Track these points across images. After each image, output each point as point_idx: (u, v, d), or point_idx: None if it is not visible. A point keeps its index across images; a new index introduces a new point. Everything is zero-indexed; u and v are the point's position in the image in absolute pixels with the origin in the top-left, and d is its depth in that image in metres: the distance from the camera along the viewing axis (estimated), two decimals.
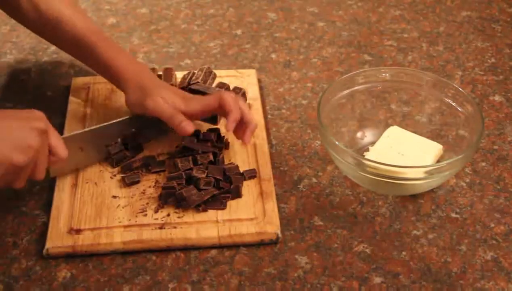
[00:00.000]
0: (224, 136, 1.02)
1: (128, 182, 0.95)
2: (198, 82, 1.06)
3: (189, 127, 0.95)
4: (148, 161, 0.98)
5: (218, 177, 0.94)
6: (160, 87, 0.98)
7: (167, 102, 0.95)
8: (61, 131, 1.03)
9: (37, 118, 0.83)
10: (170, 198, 0.92)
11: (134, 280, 0.85)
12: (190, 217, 0.91)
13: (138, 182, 0.95)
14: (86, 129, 0.99)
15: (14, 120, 0.81)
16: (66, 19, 1.01)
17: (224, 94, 0.96)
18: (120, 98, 1.10)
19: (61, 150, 0.86)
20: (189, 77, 1.08)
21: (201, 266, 0.87)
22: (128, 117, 1.00)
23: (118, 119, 1.00)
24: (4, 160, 0.78)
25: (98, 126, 0.99)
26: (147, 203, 0.93)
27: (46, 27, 1.03)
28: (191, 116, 0.97)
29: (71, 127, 1.04)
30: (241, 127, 0.96)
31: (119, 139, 0.99)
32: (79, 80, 1.14)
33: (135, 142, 1.01)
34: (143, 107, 0.96)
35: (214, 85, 1.08)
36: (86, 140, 0.97)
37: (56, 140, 0.86)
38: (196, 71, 1.10)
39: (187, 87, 1.04)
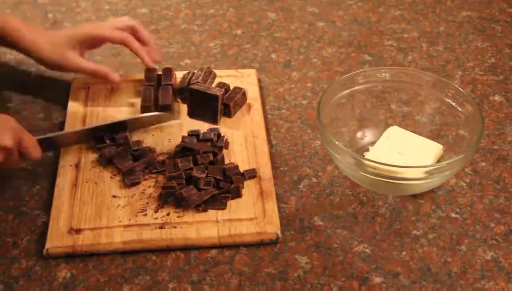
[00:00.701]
0: (224, 136, 1.02)
1: (128, 183, 0.95)
2: (198, 82, 1.06)
3: (117, 77, 1.07)
4: (149, 162, 0.98)
5: (218, 177, 0.94)
6: (56, 36, 1.06)
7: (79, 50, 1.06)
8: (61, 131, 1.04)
9: (6, 133, 0.86)
10: (170, 198, 0.92)
11: (134, 280, 0.85)
12: (190, 216, 0.91)
13: (138, 183, 0.95)
14: (63, 132, 1.01)
15: None
16: None
17: (127, 39, 1.07)
18: (120, 98, 1.10)
19: (34, 153, 0.91)
20: (189, 77, 1.08)
21: (201, 266, 0.87)
22: (110, 122, 1.02)
23: (95, 125, 1.02)
24: None
25: (76, 129, 1.02)
26: (147, 203, 0.93)
27: None
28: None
29: (71, 127, 1.04)
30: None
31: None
32: (79, 80, 1.14)
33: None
34: (62, 63, 1.05)
35: (214, 85, 1.08)
36: (65, 142, 1.01)
37: (27, 147, 0.89)
38: (196, 71, 1.10)
39: (187, 86, 1.04)
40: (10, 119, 0.89)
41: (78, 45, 1.06)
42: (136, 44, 1.07)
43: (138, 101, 1.08)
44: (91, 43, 1.09)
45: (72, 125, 1.05)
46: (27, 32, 1.04)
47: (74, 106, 1.08)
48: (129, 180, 0.95)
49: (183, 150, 0.98)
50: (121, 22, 1.09)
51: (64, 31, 1.08)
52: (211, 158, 0.97)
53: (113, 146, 0.99)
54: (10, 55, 1.22)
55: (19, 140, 0.88)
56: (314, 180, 0.99)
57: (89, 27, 1.08)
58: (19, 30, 1.03)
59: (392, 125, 1.03)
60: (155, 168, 0.97)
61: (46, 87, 1.15)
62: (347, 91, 1.03)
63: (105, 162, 0.98)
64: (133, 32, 1.09)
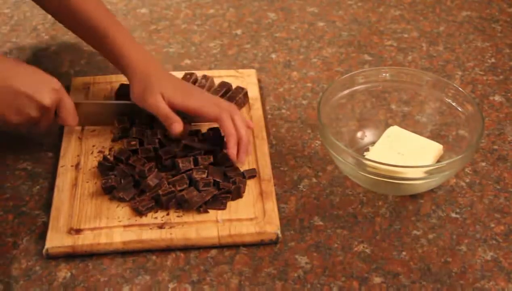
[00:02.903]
0: (224, 136, 1.02)
1: (143, 210, 0.90)
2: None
3: (177, 128, 0.95)
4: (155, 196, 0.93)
5: (218, 179, 0.93)
6: (162, 81, 0.97)
7: (165, 98, 0.95)
8: (60, 132, 1.03)
9: (47, 92, 0.90)
10: (170, 202, 0.92)
11: (134, 280, 0.85)
12: (190, 216, 0.91)
13: (152, 208, 0.92)
14: (98, 101, 1.05)
15: (26, 86, 0.88)
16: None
17: (223, 116, 0.95)
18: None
19: (71, 120, 0.95)
20: (192, 80, 1.09)
21: (201, 266, 0.87)
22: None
23: (128, 102, 1.02)
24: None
25: (110, 102, 1.05)
26: None
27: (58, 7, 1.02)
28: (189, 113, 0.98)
29: (70, 127, 1.04)
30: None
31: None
32: (79, 80, 1.14)
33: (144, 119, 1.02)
34: (143, 102, 0.97)
35: (216, 85, 1.08)
36: (97, 111, 1.03)
37: (66, 111, 0.93)
38: (198, 78, 1.10)
39: None
40: (54, 80, 0.91)
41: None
42: (229, 125, 0.96)
43: None
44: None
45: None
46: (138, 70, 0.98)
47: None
48: (143, 206, 0.91)
49: (185, 149, 0.97)
50: (225, 103, 0.99)
51: (177, 92, 0.97)
52: (212, 159, 0.96)
53: (115, 176, 0.94)
54: (10, 55, 1.22)
55: (58, 103, 0.92)
56: (314, 180, 0.99)
57: (196, 104, 0.97)
58: (134, 63, 0.98)
59: (392, 125, 1.03)
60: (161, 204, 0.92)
61: None
62: (347, 91, 1.03)
63: (109, 191, 0.94)
64: (232, 115, 0.97)
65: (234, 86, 1.10)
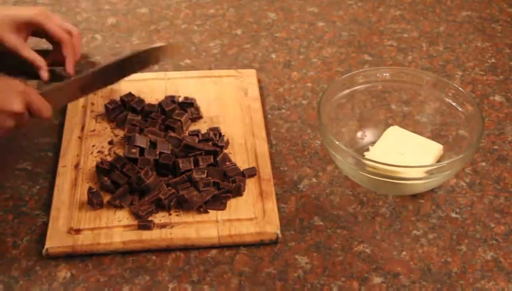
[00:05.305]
0: (224, 135, 1.02)
1: (143, 214, 0.90)
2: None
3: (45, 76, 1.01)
4: (156, 201, 0.92)
5: (217, 180, 0.93)
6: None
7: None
8: (61, 131, 1.04)
9: (15, 97, 0.87)
10: (171, 203, 0.92)
11: (134, 280, 0.85)
12: (190, 216, 0.91)
13: (152, 212, 0.91)
14: (61, 83, 1.01)
15: None
16: None
17: (68, 40, 1.02)
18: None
19: (44, 112, 0.92)
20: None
21: (201, 266, 0.87)
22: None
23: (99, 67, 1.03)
24: None
25: (72, 79, 1.02)
26: None
27: None
28: None
29: (70, 127, 1.04)
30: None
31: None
32: None
33: None
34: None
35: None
36: (64, 93, 1.01)
37: (37, 107, 0.91)
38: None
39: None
40: (18, 83, 0.90)
41: (21, 28, 1.01)
42: (71, 50, 1.04)
43: None
44: (33, 30, 1.04)
45: (72, 125, 1.05)
46: None
47: (73, 106, 1.08)
48: (142, 211, 0.90)
49: (185, 149, 0.97)
50: (66, 25, 1.05)
51: (5, 10, 1.03)
52: (212, 160, 0.96)
53: (112, 182, 0.93)
54: None
55: (28, 103, 0.90)
56: (314, 180, 0.99)
57: (36, 13, 1.02)
58: None
59: (392, 125, 1.03)
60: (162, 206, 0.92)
61: None
62: (347, 91, 1.03)
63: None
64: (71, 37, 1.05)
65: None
